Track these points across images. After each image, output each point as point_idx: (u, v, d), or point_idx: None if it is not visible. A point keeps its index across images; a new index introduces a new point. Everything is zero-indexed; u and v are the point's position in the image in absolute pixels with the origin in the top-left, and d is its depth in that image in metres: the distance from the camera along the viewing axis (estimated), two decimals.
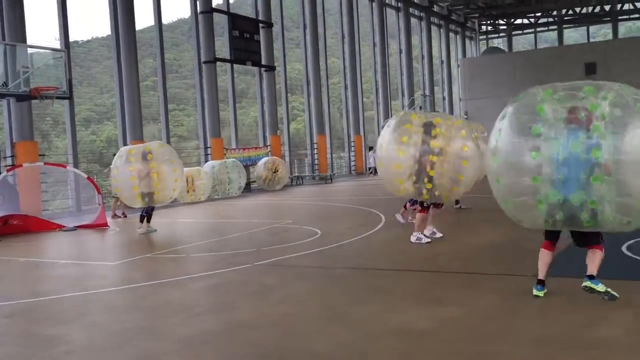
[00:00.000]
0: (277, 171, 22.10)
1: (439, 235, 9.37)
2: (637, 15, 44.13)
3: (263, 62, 24.79)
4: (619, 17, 44.29)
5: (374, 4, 33.70)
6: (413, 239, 8.96)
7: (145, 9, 29.06)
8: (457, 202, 12.79)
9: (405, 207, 10.80)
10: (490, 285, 6.26)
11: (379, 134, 32.23)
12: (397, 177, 8.51)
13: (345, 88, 31.54)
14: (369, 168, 30.04)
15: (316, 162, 28.24)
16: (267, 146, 24.63)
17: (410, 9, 37.21)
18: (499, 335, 4.69)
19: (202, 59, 22.40)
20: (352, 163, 31.26)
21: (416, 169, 8.38)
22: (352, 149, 31.04)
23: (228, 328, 5.26)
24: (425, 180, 8.36)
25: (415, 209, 10.24)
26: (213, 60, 22.35)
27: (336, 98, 37.73)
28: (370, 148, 30.37)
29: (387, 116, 33.69)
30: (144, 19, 52.84)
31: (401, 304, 5.71)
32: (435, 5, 40.26)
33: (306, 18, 28.30)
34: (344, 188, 22.84)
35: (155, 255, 9.29)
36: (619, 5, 42.71)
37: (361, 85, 32.70)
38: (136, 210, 12.96)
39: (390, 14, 36.21)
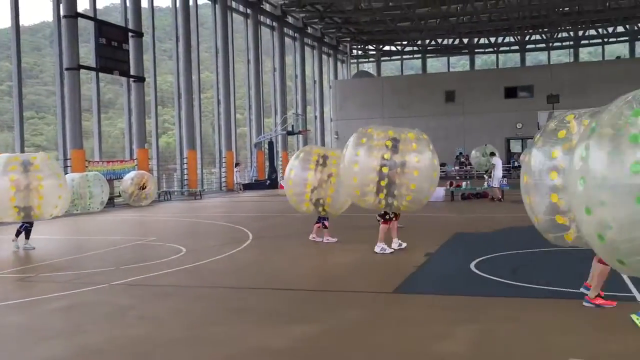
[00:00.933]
0: (145, 187, 21.25)
1: (404, 245, 9.65)
2: (490, 50, 48.10)
3: (132, 72, 23.91)
4: (476, 50, 48.03)
5: (249, 20, 33.85)
6: (377, 249, 9.29)
7: (3, 9, 26.93)
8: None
9: (325, 225, 10.81)
10: (350, 303, 6.42)
11: (251, 151, 32.13)
12: (356, 190, 8.99)
13: (218, 103, 31.25)
14: (237, 184, 29.84)
15: (186, 177, 27.61)
16: (133, 159, 23.70)
17: (285, 29, 37.82)
18: (354, 351, 4.81)
19: (65, 66, 21.16)
20: (223, 179, 30.93)
21: (377, 181, 8.77)
22: (224, 165, 30.72)
23: (77, 353, 4.94)
24: (384, 191, 8.81)
25: (319, 227, 10.76)
26: (76, 68, 21.18)
27: (209, 113, 37.28)
28: (237, 164, 30.20)
29: (259, 133, 33.82)
30: (1, 20, 48.83)
31: (260, 324, 5.68)
32: (309, 27, 41.24)
33: (179, 30, 27.77)
34: (213, 204, 22.50)
35: (1, 275, 8.54)
36: (475, 40, 46.32)
37: (234, 101, 32.58)
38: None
39: (265, 32, 36.56)
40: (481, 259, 8.60)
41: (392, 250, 9.40)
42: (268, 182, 31.97)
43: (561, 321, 5.45)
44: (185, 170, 27.61)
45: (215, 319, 5.91)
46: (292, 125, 34.83)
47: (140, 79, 24.49)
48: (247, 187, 31.57)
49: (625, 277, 7.07)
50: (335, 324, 5.54)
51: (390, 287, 6.95)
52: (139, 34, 24.46)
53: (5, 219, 10.95)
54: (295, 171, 10.60)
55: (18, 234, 10.79)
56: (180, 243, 11.07)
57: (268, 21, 36.45)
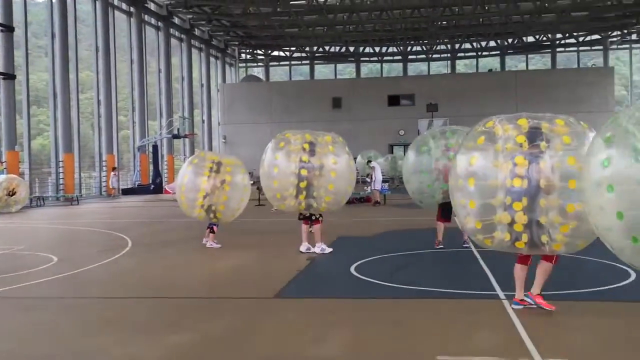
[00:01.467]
0: (15, 193, 19.77)
1: (312, 250, 9.74)
2: (375, 59, 49.76)
3: (1, 69, 22.24)
4: (361, 59, 49.47)
5: (132, 19, 32.64)
6: (318, 250, 9.58)
7: None
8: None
9: (212, 230, 10.76)
10: (229, 309, 6.33)
11: (134, 154, 30.91)
12: (277, 194, 9.21)
13: (99, 104, 29.82)
14: (114, 188, 28.59)
15: (62, 181, 26.06)
16: (2, 162, 22.02)
17: (171, 29, 36.88)
18: (228, 358, 4.74)
19: None
20: (104, 184, 29.53)
21: (296, 184, 9.00)
22: (104, 168, 29.35)
23: None
24: (303, 193, 9.06)
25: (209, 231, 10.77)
26: None
27: (89, 114, 35.52)
28: (114, 168, 28.98)
29: (143, 136, 32.68)
30: None
31: (133, 334, 5.46)
32: (196, 29, 40.49)
33: (55, 25, 26.20)
34: (91, 210, 21.41)
35: None
36: (361, 48, 47.70)
37: (116, 102, 31.26)
38: None
39: (150, 32, 35.43)
40: (362, 261, 8.82)
41: (331, 249, 9.73)
42: (152, 186, 30.96)
43: (432, 320, 5.70)
44: (61, 174, 26.06)
45: (85, 331, 5.60)
46: (178, 129, 33.98)
47: (10, 77, 22.84)
48: (130, 192, 30.38)
49: (490, 276, 7.55)
50: (212, 332, 5.44)
51: (271, 292, 6.94)
52: (9, 28, 22.82)
53: None
54: (189, 177, 10.48)
55: None
56: (52, 252, 10.41)
57: (153, 21, 35.35)
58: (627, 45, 45.94)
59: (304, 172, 9.03)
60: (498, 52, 47.57)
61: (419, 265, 8.88)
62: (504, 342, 4.94)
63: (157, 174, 31.82)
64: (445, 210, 9.54)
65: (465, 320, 5.64)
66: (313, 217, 9.71)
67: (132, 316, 6.18)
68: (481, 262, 8.60)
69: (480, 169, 5.53)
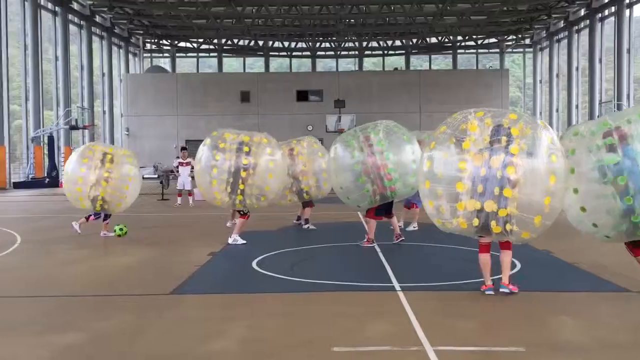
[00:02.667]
0: None
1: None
2: (284, 54, 49.78)
3: None
4: (270, 53, 49.32)
5: (26, 3, 30.72)
6: (230, 240, 9.92)
7: None
8: (298, 218, 12.64)
9: (87, 218, 11.01)
10: (123, 307, 6.10)
11: (28, 146, 29.23)
12: (215, 192, 9.65)
13: None
14: None
15: None
16: None
17: (70, 15, 35.09)
18: (117, 357, 4.57)
19: None
20: None
21: (231, 182, 9.45)
22: None
23: None
24: (238, 192, 9.50)
25: (89, 219, 10.99)
26: None
27: None
28: None
29: (38, 126, 30.91)
30: None
31: (18, 335, 5.13)
32: (97, 16, 38.76)
33: None
34: None
35: None
36: (270, 43, 47.52)
37: (8, 90, 29.34)
38: None
39: (47, 17, 33.52)
40: (264, 256, 8.79)
41: (245, 242, 10.00)
42: (47, 180, 29.37)
43: (328, 312, 5.77)
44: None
45: None
46: (77, 120, 32.42)
47: None
48: (23, 185, 28.67)
49: (388, 269, 7.76)
50: (102, 331, 5.22)
51: (167, 289, 6.76)
52: None
53: None
54: (73, 167, 10.57)
55: None
56: None
57: (50, 5, 33.46)
58: (521, 50, 48.74)
59: (243, 174, 9.46)
60: (403, 51, 48.96)
61: (320, 259, 8.98)
62: (398, 332, 5.07)
63: (53, 166, 30.23)
64: (385, 207, 9.60)
65: (361, 312, 5.75)
66: (241, 212, 10.13)
67: (16, 316, 5.82)
68: (380, 255, 8.82)
69: (446, 162, 6.07)
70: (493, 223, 5.81)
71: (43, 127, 31.38)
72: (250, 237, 10.54)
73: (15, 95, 32.16)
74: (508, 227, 5.81)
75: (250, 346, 4.82)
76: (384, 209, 9.67)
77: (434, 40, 47.00)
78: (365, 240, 9.77)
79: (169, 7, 36.75)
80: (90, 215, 10.96)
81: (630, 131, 5.68)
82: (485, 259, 6.35)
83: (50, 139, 31.03)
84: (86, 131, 35.14)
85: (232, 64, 51.88)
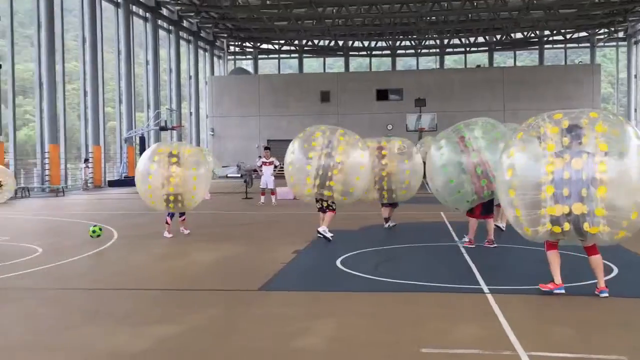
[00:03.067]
0: (1, 185, 19.53)
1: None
2: (364, 53, 49.74)
3: None
4: (350, 53, 49.44)
5: (120, 10, 32.37)
6: (320, 229, 10.08)
7: None
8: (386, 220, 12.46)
9: (167, 223, 11.29)
10: (214, 301, 6.32)
11: (121, 146, 30.79)
12: (305, 185, 9.94)
13: (85, 95, 29.58)
14: (85, 181, 28.25)
15: (47, 173, 25.84)
16: None
17: (159, 21, 36.64)
18: (213, 351, 4.74)
19: None
20: (90, 175, 29.29)
21: (320, 176, 9.75)
22: (91, 160, 29.11)
23: None
24: (327, 187, 9.80)
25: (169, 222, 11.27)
26: None
27: (75, 105, 35.20)
28: (86, 160, 28.72)
29: (130, 127, 32.49)
30: None
31: (118, 325, 5.44)
32: (184, 21, 40.25)
33: (41, 15, 25.93)
34: (77, 202, 21.26)
35: None
36: (350, 42, 47.66)
37: (103, 93, 31.02)
38: None
39: (138, 23, 35.16)
40: (347, 255, 8.84)
41: (332, 235, 10.08)
42: None
43: (415, 313, 5.73)
44: (46, 165, 25.84)
45: (68, 322, 5.57)
46: (166, 121, 33.80)
47: None
48: (117, 183, 30.18)
49: (475, 270, 7.61)
50: (196, 324, 5.43)
51: (255, 285, 6.94)
52: None
53: None
54: (153, 168, 10.90)
55: None
56: (36, 243, 10.34)
57: (141, 12, 35.08)
58: (614, 43, 46.31)
59: (335, 172, 9.73)
60: (486, 48, 47.75)
61: (405, 259, 8.91)
62: (488, 335, 4.97)
63: None
64: (486, 206, 9.32)
65: (448, 314, 5.67)
66: (326, 206, 10.28)
67: (116, 307, 6.16)
68: (466, 256, 8.65)
69: (524, 164, 5.99)
70: (586, 225, 5.68)
71: (135, 128, 32.94)
72: (334, 235, 10.61)
73: (109, 98, 33.93)
74: (601, 228, 5.66)
75: (338, 345, 4.86)
76: (485, 209, 9.39)
77: (519, 35, 45.53)
78: (467, 240, 9.53)
79: (252, 10, 37.61)
80: (167, 217, 11.27)
81: None
82: (555, 255, 6.24)
83: (142, 139, 32.51)
84: (174, 132, 36.54)
85: (311, 65, 52.41)
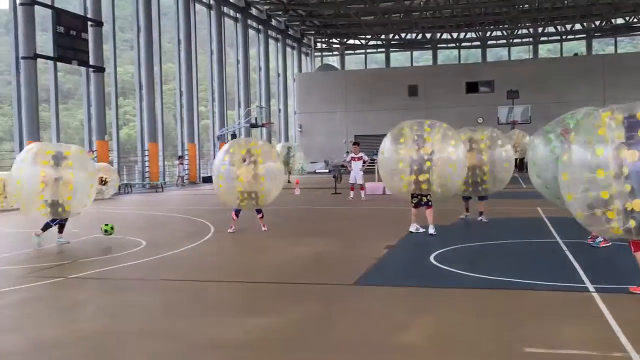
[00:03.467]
0: (106, 183, 20.76)
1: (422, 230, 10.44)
2: (453, 45, 48.69)
3: (91, 62, 23.41)
4: (438, 45, 48.54)
5: (212, 12, 33.49)
6: (412, 228, 10.46)
7: None
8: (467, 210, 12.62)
9: (233, 218, 11.47)
10: (311, 295, 6.43)
11: (214, 143, 31.76)
12: (398, 175, 10.10)
13: (181, 95, 30.86)
14: (179, 177, 29.33)
15: (147, 169, 27.20)
16: (92, 151, 23.22)
17: (249, 20, 37.55)
18: (314, 343, 4.83)
19: (21, 54, 20.60)
20: (186, 172, 30.55)
21: (415, 171, 9.85)
22: (186, 157, 30.35)
23: (29, 348, 4.83)
24: (423, 181, 9.87)
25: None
26: (33, 57, 20.64)
27: (171, 104, 36.80)
28: (179, 157, 29.79)
29: (222, 125, 33.55)
30: None
31: (220, 316, 5.65)
32: (273, 20, 41.02)
33: (140, 20, 27.29)
34: (175, 197, 22.23)
35: None
36: (438, 35, 46.80)
37: (197, 93, 32.23)
38: None
39: (229, 23, 36.22)
40: (440, 251, 8.72)
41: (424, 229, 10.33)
42: None
43: (517, 311, 5.57)
44: (146, 162, 27.20)
45: (174, 311, 5.85)
46: (256, 118, 34.63)
47: (99, 69, 24.00)
48: (211, 179, 31.19)
49: (578, 268, 7.29)
50: (296, 316, 5.55)
51: (350, 279, 6.99)
52: (98, 23, 23.95)
53: (31, 214, 10.19)
54: (227, 166, 11.13)
55: (46, 228, 10.00)
56: (140, 236, 10.92)
57: (232, 12, 36.12)
58: None
59: (428, 164, 9.81)
60: (584, 35, 45.45)
61: (501, 255, 8.67)
62: (597, 336, 4.76)
63: None
64: None
65: (553, 313, 5.48)
66: (425, 201, 10.32)
67: (219, 299, 6.40)
68: (568, 253, 8.30)
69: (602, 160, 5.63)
70: None
71: (227, 126, 33.99)
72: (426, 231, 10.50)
73: (202, 97, 35.15)
74: None
75: (440, 341, 4.82)
76: None
77: (619, 21, 42.98)
78: (602, 240, 8.65)
79: (339, 6, 37.76)
80: (232, 213, 11.46)
81: None
82: None
83: (234, 136, 33.45)
84: (264, 129, 37.37)
85: (397, 58, 51.93)
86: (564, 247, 8.77)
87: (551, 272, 7.22)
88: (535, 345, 4.56)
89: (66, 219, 10.30)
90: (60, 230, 10.33)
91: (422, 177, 9.85)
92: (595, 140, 5.66)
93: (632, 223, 5.49)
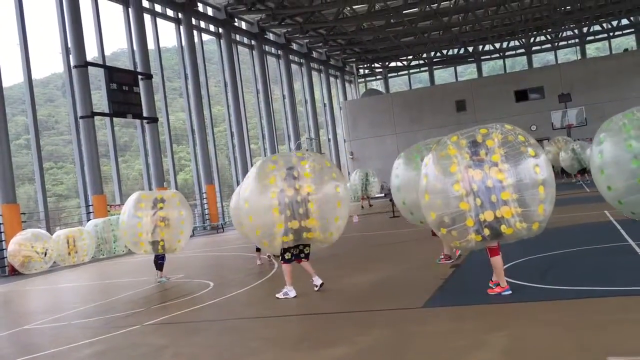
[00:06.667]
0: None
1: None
2: (497, 55, 48.11)
3: (144, 114, 24.32)
4: (482, 57, 48.07)
5: (254, 52, 34.32)
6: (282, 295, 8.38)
7: (13, 64, 27.41)
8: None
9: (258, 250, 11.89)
10: (381, 321, 6.40)
11: None
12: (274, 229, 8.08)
13: (232, 135, 31.57)
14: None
15: (206, 211, 27.79)
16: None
17: (290, 55, 38.26)
18: None
19: (79, 114, 21.61)
20: None
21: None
22: None
23: None
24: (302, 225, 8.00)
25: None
26: (90, 115, 21.62)
27: (223, 146, 37.63)
28: None
29: None
30: (12, 75, 50.08)
31: (292, 350, 5.69)
32: (314, 52, 41.66)
33: (187, 68, 28.24)
34: (235, 237, 22.59)
35: (32, 326, 8.65)
36: (480, 47, 46.38)
37: (247, 132, 32.90)
38: None
39: (271, 60, 37.00)
40: (509, 264, 8.52)
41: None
42: None
43: (595, 320, 5.39)
44: (205, 204, 27.81)
45: (247, 349, 5.93)
46: (307, 150, 34.98)
47: (153, 120, 24.88)
48: None
49: None
50: (368, 344, 5.54)
51: (419, 302, 6.92)
52: (148, 76, 24.92)
53: (138, 252, 11.56)
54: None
55: (159, 267, 11.44)
56: (208, 277, 11.14)
57: (273, 50, 36.92)
58: None
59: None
60: (632, 29, 44.10)
61: (574, 264, 8.39)
62: None
63: None
64: None
65: (633, 319, 5.27)
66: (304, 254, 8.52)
67: (289, 333, 6.46)
68: None
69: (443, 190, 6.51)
70: (503, 227, 6.31)
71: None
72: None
73: (253, 135, 35.87)
74: (518, 225, 6.30)
75: (517, 356, 4.70)
76: None
77: None
78: (442, 257, 9.06)
79: (377, 31, 38.03)
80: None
81: None
82: (499, 261, 6.82)
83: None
84: None
85: (441, 75, 51.63)
86: (638, 251, 8.43)
87: (629, 277, 6.95)
88: (618, 353, 4.40)
89: (164, 258, 11.53)
90: (160, 269, 11.47)
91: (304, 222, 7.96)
92: (447, 163, 6.49)
93: (486, 231, 6.33)
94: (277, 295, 8.35)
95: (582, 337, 4.93)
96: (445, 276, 8.42)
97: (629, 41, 45.13)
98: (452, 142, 6.57)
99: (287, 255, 8.38)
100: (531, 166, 6.34)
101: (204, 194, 27.89)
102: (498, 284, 6.87)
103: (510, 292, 6.73)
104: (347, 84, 49.11)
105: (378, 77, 51.44)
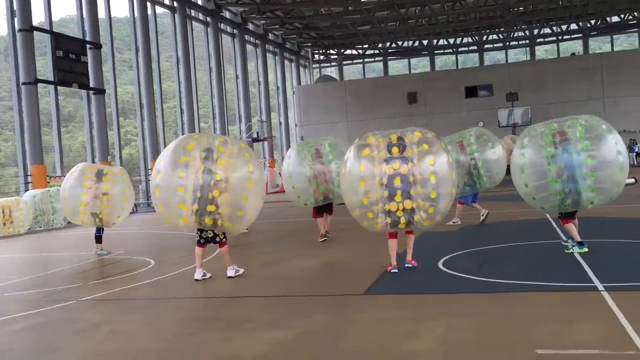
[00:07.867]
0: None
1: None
2: (450, 51, 48.87)
3: (91, 84, 23.59)
4: (436, 52, 48.73)
5: (209, 29, 33.70)
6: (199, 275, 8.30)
7: None
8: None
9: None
10: (321, 307, 6.46)
11: None
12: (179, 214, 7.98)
13: (182, 112, 30.99)
14: None
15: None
16: None
17: (246, 36, 37.76)
18: (326, 355, 4.86)
19: (22, 80, 20.77)
20: None
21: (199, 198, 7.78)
22: None
23: None
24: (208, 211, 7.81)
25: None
26: (34, 82, 20.81)
27: (172, 122, 36.94)
28: None
29: None
30: None
31: (231, 332, 5.69)
32: (270, 34, 41.25)
33: (138, 40, 27.49)
34: None
35: None
36: (434, 41, 46.99)
37: (198, 110, 32.36)
38: None
39: (226, 39, 36.43)
40: (448, 256, 8.75)
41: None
42: None
43: (527, 313, 5.60)
44: (150, 181, 27.28)
45: (186, 329, 5.89)
46: (257, 132, 34.76)
47: (100, 91, 24.17)
48: None
49: (585, 267, 7.31)
50: (306, 329, 5.59)
51: (360, 289, 7.02)
52: (97, 46, 24.15)
53: (75, 222, 11.88)
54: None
55: (98, 240, 11.72)
56: (149, 255, 10.97)
57: (228, 29, 36.34)
58: None
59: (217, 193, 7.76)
60: (580, 34, 45.59)
61: (509, 258, 8.69)
62: (608, 335, 4.78)
63: None
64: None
65: (562, 314, 5.50)
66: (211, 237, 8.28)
67: (229, 314, 6.44)
68: (575, 254, 8.32)
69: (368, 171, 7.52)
70: (402, 218, 7.45)
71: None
72: (431, 237, 10.54)
73: (203, 114, 35.34)
74: (416, 217, 7.43)
75: (451, 347, 4.84)
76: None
77: (615, 18, 43.13)
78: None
79: (335, 18, 37.98)
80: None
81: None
82: (393, 243, 7.90)
83: None
84: (266, 143, 37.49)
85: (395, 66, 52.09)
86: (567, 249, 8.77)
87: (559, 273, 7.25)
88: (547, 346, 4.59)
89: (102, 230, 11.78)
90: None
91: (210, 208, 7.74)
92: (366, 157, 7.44)
93: (388, 220, 7.43)
94: (228, 275, 8.32)
95: (513, 330, 5.12)
96: (387, 264, 8.54)
97: (577, 46, 46.63)
98: (370, 140, 7.60)
99: (197, 237, 8.40)
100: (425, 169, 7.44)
101: (150, 171, 27.33)
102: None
103: (396, 270, 7.76)
104: (301, 69, 48.92)
105: (333, 64, 51.43)
